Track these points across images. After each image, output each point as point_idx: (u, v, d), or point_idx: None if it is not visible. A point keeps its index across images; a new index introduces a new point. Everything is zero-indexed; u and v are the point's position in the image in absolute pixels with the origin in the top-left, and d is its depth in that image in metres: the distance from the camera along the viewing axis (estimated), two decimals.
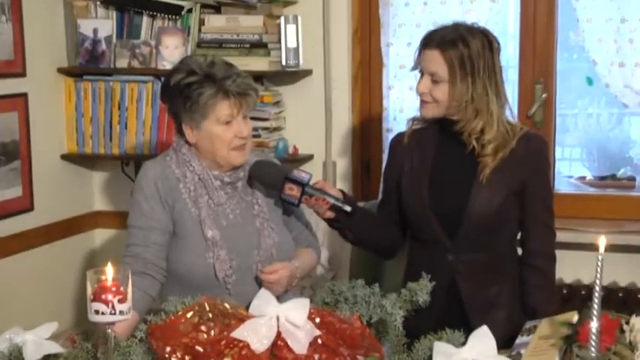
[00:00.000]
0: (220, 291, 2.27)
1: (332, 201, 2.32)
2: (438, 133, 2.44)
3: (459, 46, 2.30)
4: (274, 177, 2.35)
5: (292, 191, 2.29)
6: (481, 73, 2.31)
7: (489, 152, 2.34)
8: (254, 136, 3.25)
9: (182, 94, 2.32)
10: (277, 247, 2.40)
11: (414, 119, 2.51)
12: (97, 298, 1.64)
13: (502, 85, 2.38)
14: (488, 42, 2.34)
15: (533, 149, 2.39)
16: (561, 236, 2.56)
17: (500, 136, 2.34)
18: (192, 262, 2.32)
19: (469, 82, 2.31)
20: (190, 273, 2.32)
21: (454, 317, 2.23)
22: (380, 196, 2.62)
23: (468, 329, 1.82)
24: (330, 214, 2.35)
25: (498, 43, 2.39)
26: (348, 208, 2.33)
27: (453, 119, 2.38)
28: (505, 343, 1.93)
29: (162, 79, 2.51)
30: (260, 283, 2.33)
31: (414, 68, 2.43)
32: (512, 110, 2.44)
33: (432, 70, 2.34)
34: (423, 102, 2.39)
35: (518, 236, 2.47)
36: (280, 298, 2.05)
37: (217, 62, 2.35)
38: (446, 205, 2.38)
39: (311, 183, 2.32)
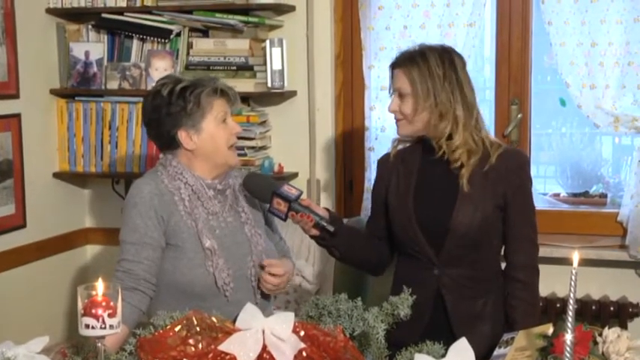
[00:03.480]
0: (219, 299, 2.31)
1: (316, 219, 2.35)
2: (421, 151, 2.48)
3: (418, 61, 2.39)
4: (265, 190, 2.40)
5: (280, 206, 2.34)
6: (442, 83, 2.37)
7: (458, 157, 2.38)
8: (240, 155, 3.35)
9: (180, 98, 2.35)
10: (266, 253, 2.45)
11: (397, 140, 2.55)
12: (87, 312, 1.65)
13: (472, 97, 2.42)
14: (448, 56, 2.41)
15: (515, 165, 2.42)
16: None
17: (468, 143, 2.37)
18: (192, 272, 2.34)
19: (431, 92, 2.36)
20: (191, 283, 2.34)
21: (440, 329, 2.27)
22: (369, 214, 2.66)
23: (454, 341, 1.81)
24: (315, 232, 2.39)
25: (463, 60, 2.45)
26: (331, 228, 2.36)
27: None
28: (489, 355, 1.96)
29: (144, 102, 2.48)
30: (254, 289, 2.39)
31: (389, 91, 2.49)
32: (486, 127, 2.47)
33: (396, 86, 2.42)
34: (396, 121, 2.46)
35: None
36: (265, 312, 2.06)
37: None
38: (431, 218, 2.41)
39: (300, 200, 2.35)
